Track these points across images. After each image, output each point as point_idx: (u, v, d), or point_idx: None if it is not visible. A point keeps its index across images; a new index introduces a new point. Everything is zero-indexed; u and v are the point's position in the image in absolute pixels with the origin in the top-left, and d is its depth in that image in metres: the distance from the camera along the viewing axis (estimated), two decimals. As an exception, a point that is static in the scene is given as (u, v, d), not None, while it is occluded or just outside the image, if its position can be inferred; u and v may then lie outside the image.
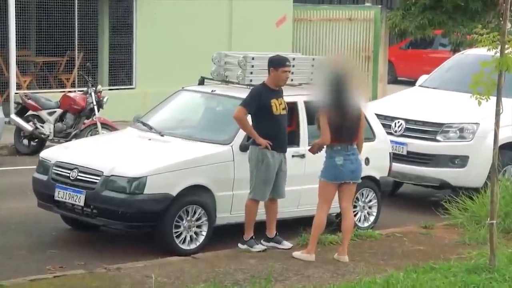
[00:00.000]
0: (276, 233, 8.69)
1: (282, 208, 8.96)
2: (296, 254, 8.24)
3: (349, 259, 8.24)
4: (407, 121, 11.16)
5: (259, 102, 8.45)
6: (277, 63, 8.56)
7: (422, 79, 12.70)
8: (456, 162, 10.84)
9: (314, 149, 8.37)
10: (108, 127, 13.17)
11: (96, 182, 8.45)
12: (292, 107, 9.33)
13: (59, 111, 13.54)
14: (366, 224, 9.72)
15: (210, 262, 7.99)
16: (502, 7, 7.69)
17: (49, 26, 16.25)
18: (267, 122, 8.45)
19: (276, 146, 8.46)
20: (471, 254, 8.32)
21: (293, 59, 9.62)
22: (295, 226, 9.01)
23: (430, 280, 7.31)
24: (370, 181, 9.75)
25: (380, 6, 22.08)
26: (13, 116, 13.76)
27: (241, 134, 8.90)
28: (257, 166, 8.45)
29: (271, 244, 8.64)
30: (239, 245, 8.52)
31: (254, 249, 8.45)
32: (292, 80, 9.45)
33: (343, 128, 8.21)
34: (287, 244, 8.64)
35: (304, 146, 9.21)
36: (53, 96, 14.30)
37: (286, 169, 8.60)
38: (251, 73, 9.44)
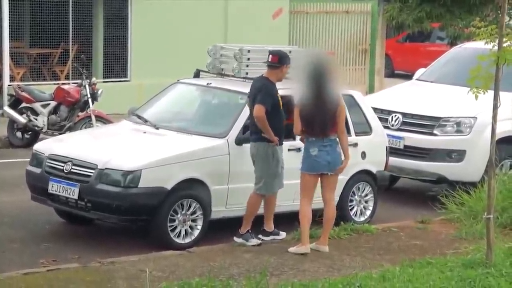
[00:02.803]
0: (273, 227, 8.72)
1: (278, 202, 8.97)
2: (292, 249, 8.26)
3: (342, 253, 8.25)
4: (404, 115, 11.17)
5: (273, 98, 8.49)
6: (288, 60, 8.61)
7: (419, 72, 12.70)
8: (453, 156, 10.86)
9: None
10: (102, 119, 13.16)
11: (90, 175, 8.44)
12: (288, 100, 9.32)
13: (53, 103, 13.52)
14: (362, 219, 9.73)
15: (205, 256, 7.99)
16: (500, 0, 7.69)
17: (43, 18, 16.21)
18: (276, 117, 8.50)
19: (281, 141, 8.54)
20: (467, 249, 8.33)
21: (290, 52, 9.62)
22: (290, 220, 9.02)
23: (426, 275, 7.32)
24: (366, 175, 9.77)
25: (377, -2, 22.08)
26: (6, 108, 13.75)
27: (237, 127, 8.90)
28: (268, 162, 8.47)
29: (270, 238, 8.66)
30: (235, 238, 8.53)
31: (249, 243, 8.47)
32: (289, 73, 9.43)
33: (315, 120, 8.25)
34: (282, 234, 8.70)
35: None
36: (47, 88, 14.27)
37: None
38: (247, 66, 9.43)
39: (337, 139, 8.37)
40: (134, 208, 8.35)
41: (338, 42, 20.30)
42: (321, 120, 8.28)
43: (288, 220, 9.07)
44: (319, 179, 8.40)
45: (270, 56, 8.61)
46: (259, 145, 8.50)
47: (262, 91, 8.51)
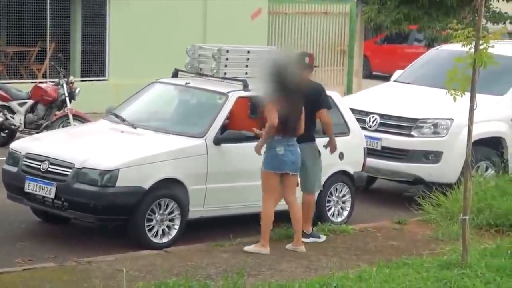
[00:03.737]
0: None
1: (257, 202, 8.96)
2: (249, 248, 8.25)
3: (319, 253, 8.28)
4: (381, 116, 11.21)
5: None
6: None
7: (397, 74, 12.76)
8: (430, 157, 10.92)
9: (262, 141, 8.35)
10: (80, 118, 13.09)
11: (67, 175, 8.41)
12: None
13: (30, 102, 13.44)
14: (339, 219, 9.76)
15: (183, 256, 7.99)
16: (477, 3, 7.74)
17: (20, 15, 16.11)
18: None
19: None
20: (443, 250, 8.38)
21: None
22: (279, 221, 9.04)
23: (403, 275, 7.36)
24: (344, 176, 9.80)
25: (355, 0, 22.15)
26: (-18, 106, 13.64)
27: (215, 127, 8.91)
28: (316, 162, 8.73)
29: (311, 240, 8.71)
30: (304, 239, 8.53)
31: (321, 239, 8.73)
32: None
33: (288, 120, 8.26)
34: (322, 237, 8.86)
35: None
36: (24, 86, 14.18)
37: None
38: (226, 66, 9.44)
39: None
40: (111, 207, 8.32)
41: (317, 43, 20.35)
42: (294, 119, 8.30)
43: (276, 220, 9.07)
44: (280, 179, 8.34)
45: (308, 58, 8.78)
46: (306, 146, 8.64)
47: (325, 95, 8.81)
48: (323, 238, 8.87)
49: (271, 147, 8.32)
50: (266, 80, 8.30)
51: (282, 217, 9.17)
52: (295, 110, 8.33)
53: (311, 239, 8.74)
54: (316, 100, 8.67)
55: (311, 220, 8.86)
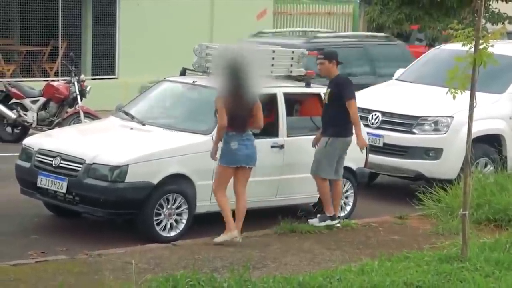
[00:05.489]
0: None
1: (261, 197, 9.00)
2: (217, 239, 8.24)
3: (322, 247, 8.27)
4: (383, 113, 11.19)
5: None
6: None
7: (398, 72, 12.73)
8: (430, 154, 10.89)
9: (215, 144, 8.37)
10: (90, 116, 13.11)
11: (78, 170, 8.41)
12: (271, 99, 9.34)
13: (42, 99, 13.47)
14: (342, 214, 9.73)
15: (190, 250, 7.99)
16: (477, 4, 7.72)
17: (33, 16, 16.14)
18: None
19: None
20: (443, 244, 8.37)
21: (273, 51, 9.63)
22: (274, 215, 9.04)
23: (404, 268, 7.35)
24: (346, 172, 9.77)
25: (358, 1, 22.11)
26: (-4, 104, 13.66)
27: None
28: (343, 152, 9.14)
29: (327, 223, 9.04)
30: (325, 222, 8.95)
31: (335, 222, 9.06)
32: (272, 72, 9.46)
33: (236, 115, 8.22)
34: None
35: (283, 137, 9.23)
36: (36, 84, 14.21)
37: None
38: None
39: (252, 134, 8.32)
40: (120, 202, 8.32)
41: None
42: (242, 114, 8.24)
43: (271, 215, 9.08)
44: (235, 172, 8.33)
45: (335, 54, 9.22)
46: (336, 140, 8.93)
47: (351, 86, 9.09)
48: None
49: (226, 142, 8.31)
50: (216, 76, 8.27)
51: (287, 212, 9.18)
52: (243, 106, 8.21)
53: (325, 223, 8.94)
54: (342, 92, 8.97)
55: (327, 203, 9.07)
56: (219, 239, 8.24)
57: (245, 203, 8.43)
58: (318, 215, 9.09)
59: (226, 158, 8.31)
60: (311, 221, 9.00)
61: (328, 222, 8.98)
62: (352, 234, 8.93)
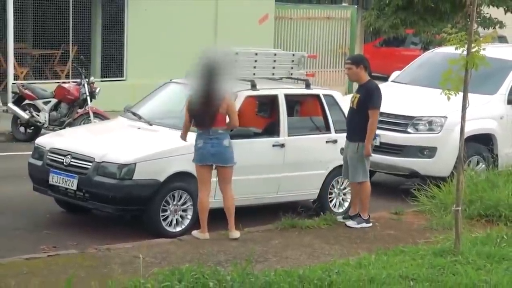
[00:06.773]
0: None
1: (263, 194, 8.99)
2: (194, 232, 8.23)
3: (322, 242, 8.26)
4: (380, 114, 11.14)
5: None
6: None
7: (394, 75, 12.73)
8: (425, 152, 10.89)
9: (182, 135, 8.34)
10: (100, 116, 13.12)
11: (88, 168, 8.42)
12: (273, 100, 9.33)
13: (54, 100, 13.48)
14: (340, 210, 9.74)
15: (195, 244, 7.99)
16: (470, 9, 7.72)
17: (45, 21, 16.15)
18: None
19: None
20: (437, 238, 8.37)
21: (275, 54, 9.63)
22: (275, 211, 9.04)
23: (400, 262, 7.35)
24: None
25: (356, 6, 22.09)
26: (10, 104, 13.69)
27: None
28: (365, 158, 8.95)
29: (360, 226, 8.95)
30: (357, 225, 8.88)
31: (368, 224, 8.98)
32: (273, 74, 9.45)
33: (198, 114, 8.16)
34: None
35: (283, 137, 9.23)
36: (48, 86, 14.21)
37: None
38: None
39: (226, 133, 8.13)
40: (128, 198, 8.33)
41: (320, 46, 20.32)
42: (204, 114, 8.13)
43: (272, 211, 9.08)
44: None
45: (364, 59, 9.32)
46: (361, 145, 8.82)
47: (377, 95, 8.92)
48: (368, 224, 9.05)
49: (195, 140, 8.23)
50: (188, 76, 8.25)
51: (288, 208, 9.18)
52: (207, 105, 8.07)
53: (361, 225, 8.90)
54: (368, 99, 8.81)
55: (364, 206, 8.99)
56: (194, 232, 8.23)
57: (231, 201, 8.26)
58: (356, 218, 8.99)
59: (194, 156, 8.22)
60: (348, 223, 8.93)
61: (364, 225, 8.94)
62: (350, 229, 8.92)
